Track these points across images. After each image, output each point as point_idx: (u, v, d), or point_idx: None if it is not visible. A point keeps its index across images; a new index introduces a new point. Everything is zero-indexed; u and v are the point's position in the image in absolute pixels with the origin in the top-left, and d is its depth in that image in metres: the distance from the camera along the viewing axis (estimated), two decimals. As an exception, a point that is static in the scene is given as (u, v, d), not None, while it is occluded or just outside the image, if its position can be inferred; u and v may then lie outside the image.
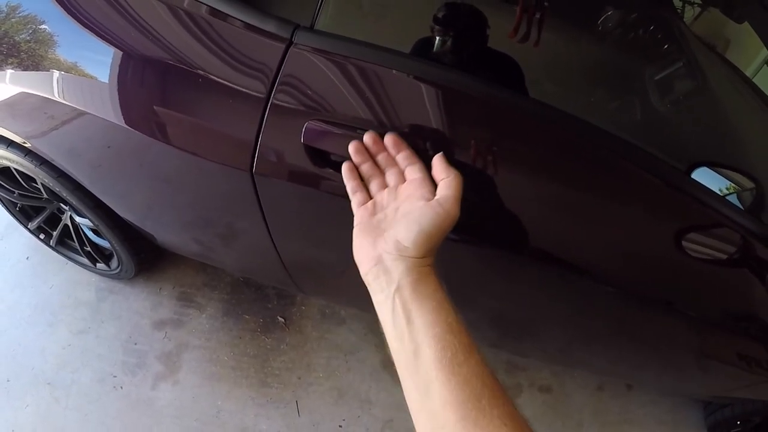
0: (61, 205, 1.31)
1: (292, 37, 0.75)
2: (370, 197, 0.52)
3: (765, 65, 0.96)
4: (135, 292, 1.45)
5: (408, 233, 0.44)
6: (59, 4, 0.85)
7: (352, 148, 0.54)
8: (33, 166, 1.07)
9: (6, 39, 0.92)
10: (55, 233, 1.36)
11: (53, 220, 1.36)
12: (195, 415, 1.27)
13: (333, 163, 0.78)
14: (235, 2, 0.77)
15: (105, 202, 1.11)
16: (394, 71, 0.74)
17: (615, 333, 1.02)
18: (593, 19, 0.98)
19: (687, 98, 0.98)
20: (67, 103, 0.87)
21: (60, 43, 0.89)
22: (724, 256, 0.81)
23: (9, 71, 0.92)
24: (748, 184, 0.82)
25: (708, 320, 0.88)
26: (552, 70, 0.97)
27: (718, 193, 0.79)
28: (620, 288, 0.85)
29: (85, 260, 1.38)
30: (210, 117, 0.80)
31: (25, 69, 0.91)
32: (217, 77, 0.77)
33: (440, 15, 0.83)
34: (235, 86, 0.77)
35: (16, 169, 1.15)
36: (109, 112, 0.84)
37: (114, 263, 1.35)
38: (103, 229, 1.20)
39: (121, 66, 0.83)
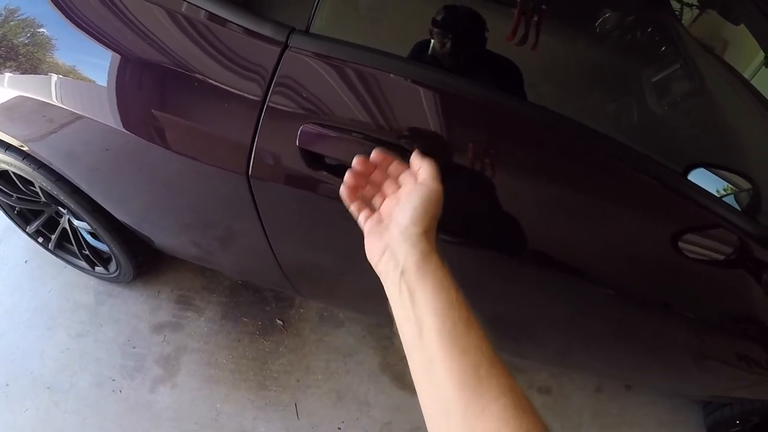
0: (60, 208, 1.31)
1: (287, 40, 0.75)
2: (373, 210, 0.55)
3: (763, 67, 0.96)
4: (133, 295, 1.44)
5: (404, 215, 0.50)
6: (57, 7, 0.85)
7: (348, 178, 0.58)
8: (31, 170, 1.07)
9: (4, 42, 0.92)
10: (53, 237, 1.36)
11: (51, 223, 1.36)
12: (193, 418, 1.26)
13: (328, 166, 0.78)
14: (231, 6, 0.77)
15: (103, 205, 1.12)
16: (389, 74, 0.74)
17: (613, 334, 1.02)
18: (591, 21, 0.98)
19: (684, 100, 0.98)
20: (64, 107, 0.87)
21: (58, 46, 0.89)
22: (722, 258, 0.81)
23: (7, 74, 0.92)
24: (745, 185, 0.82)
25: (706, 321, 0.88)
26: (550, 72, 0.97)
27: (715, 194, 0.79)
28: (618, 290, 0.85)
29: (83, 264, 1.38)
30: (206, 120, 0.80)
31: (24, 72, 0.92)
32: (214, 81, 0.77)
33: (439, 18, 0.83)
34: (231, 89, 0.77)
35: (14, 173, 1.15)
36: (107, 115, 0.85)
37: (112, 267, 1.35)
38: (101, 232, 1.20)
39: (118, 70, 0.83)
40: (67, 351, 1.34)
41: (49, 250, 1.39)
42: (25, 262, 1.49)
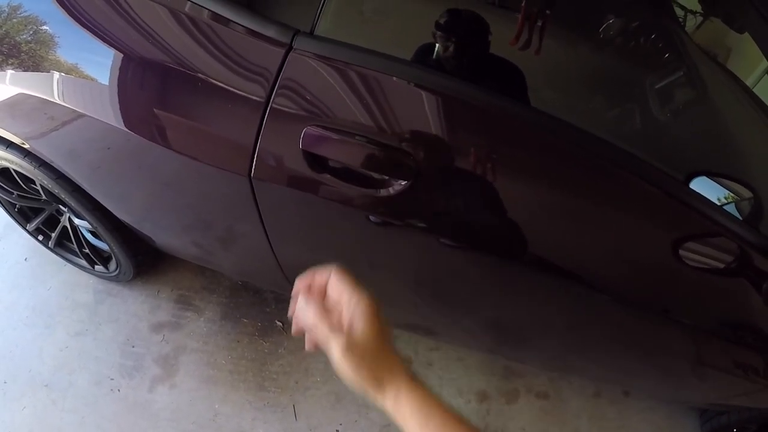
0: (60, 206, 1.31)
1: (291, 42, 0.75)
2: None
3: (766, 75, 0.96)
4: (133, 294, 1.44)
5: (359, 327, 0.41)
6: (61, 5, 0.85)
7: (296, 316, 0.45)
8: (32, 168, 1.07)
9: (7, 39, 0.92)
10: (53, 235, 1.36)
11: (52, 221, 1.36)
12: (192, 418, 1.26)
13: (331, 168, 0.78)
14: (235, 7, 0.77)
15: (103, 204, 1.11)
16: (393, 78, 0.74)
17: (612, 340, 1.02)
18: (595, 27, 0.98)
19: (687, 107, 0.98)
20: (66, 105, 0.87)
21: (61, 44, 0.89)
22: (722, 266, 0.81)
23: (9, 72, 0.92)
24: (747, 193, 0.82)
25: (705, 328, 0.89)
26: (553, 77, 0.97)
27: (717, 202, 0.79)
28: (617, 295, 0.85)
29: (83, 262, 1.38)
30: (209, 121, 0.80)
31: (26, 70, 0.91)
32: (217, 81, 0.77)
33: (442, 21, 0.83)
34: (235, 90, 0.77)
35: (15, 170, 1.15)
36: (109, 114, 0.84)
37: (112, 265, 1.35)
38: (101, 231, 1.20)
39: (121, 68, 0.83)
40: (65, 349, 1.34)
41: (49, 248, 1.39)
42: (25, 259, 1.49)
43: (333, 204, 0.80)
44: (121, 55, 0.82)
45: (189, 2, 0.78)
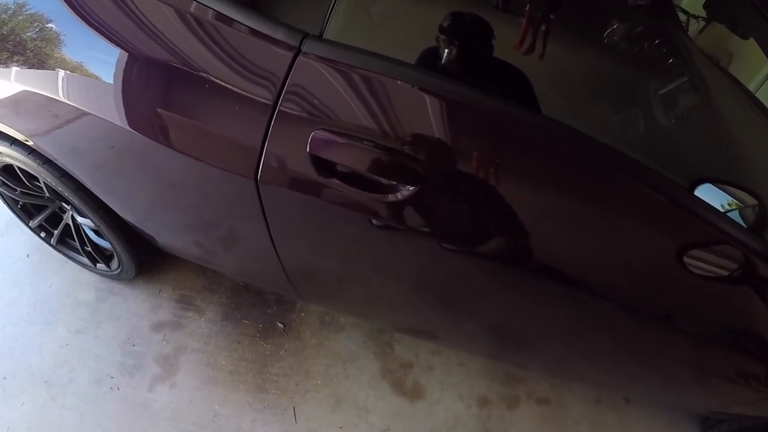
0: (63, 204, 1.31)
1: (300, 45, 0.75)
2: None
3: (768, 80, 0.96)
4: (134, 293, 1.44)
5: None
6: (66, 3, 0.85)
7: None
8: (36, 165, 1.07)
9: (12, 36, 0.92)
10: (56, 232, 1.36)
11: (54, 218, 1.36)
12: (191, 418, 1.26)
13: (339, 173, 0.78)
14: (244, 9, 0.77)
15: (107, 202, 1.11)
16: (403, 82, 0.74)
17: (614, 346, 1.01)
18: (598, 32, 0.98)
19: (691, 113, 0.98)
20: (71, 103, 0.87)
21: (66, 42, 0.89)
22: (726, 273, 0.81)
23: (14, 69, 0.92)
24: (751, 201, 0.81)
25: (707, 336, 0.88)
26: (557, 82, 0.97)
27: (721, 209, 0.79)
28: (620, 301, 0.85)
29: (85, 260, 1.38)
30: (215, 122, 0.80)
31: (31, 67, 0.91)
32: (224, 83, 0.77)
33: (445, 24, 0.83)
34: (242, 92, 0.77)
35: (18, 167, 1.15)
36: (113, 113, 0.84)
37: (114, 264, 1.35)
38: (104, 229, 1.20)
39: (126, 68, 0.83)
40: (66, 347, 1.34)
41: (51, 245, 1.39)
42: (27, 256, 1.49)
43: (339, 208, 0.80)
44: (127, 54, 0.82)
45: (197, 3, 0.78)
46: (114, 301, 1.42)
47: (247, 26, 0.76)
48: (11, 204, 1.33)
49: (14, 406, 1.25)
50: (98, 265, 1.37)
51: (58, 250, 1.41)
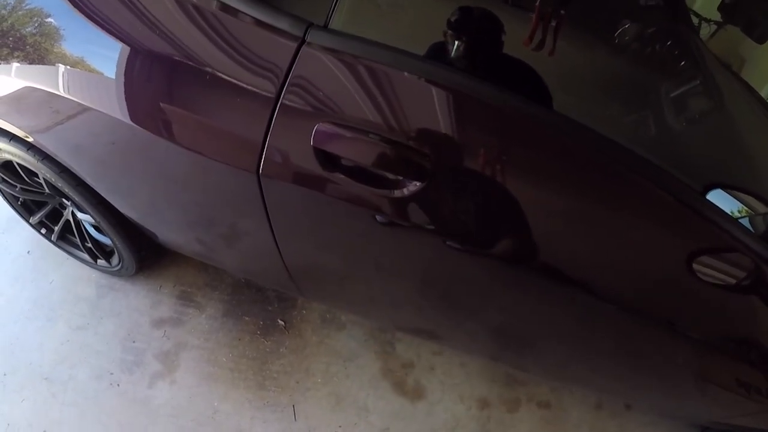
0: (63, 200, 1.30)
1: (304, 35, 0.72)
2: None
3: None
4: (135, 289, 1.44)
5: None
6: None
7: None
8: (35, 161, 1.06)
9: (12, 32, 0.91)
10: (56, 228, 1.35)
11: (55, 215, 1.35)
12: (191, 415, 1.26)
13: (343, 166, 0.76)
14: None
15: (107, 198, 1.10)
16: (410, 75, 0.72)
17: (616, 351, 1.00)
18: (610, 31, 0.96)
19: (703, 117, 0.96)
20: (71, 98, 0.85)
21: (66, 36, 0.87)
22: (734, 281, 0.79)
23: (15, 65, 0.90)
24: (762, 208, 0.80)
25: (712, 344, 0.87)
26: (566, 79, 0.95)
27: (731, 215, 0.77)
28: (625, 305, 0.84)
29: (85, 256, 1.38)
30: (217, 116, 0.78)
31: (31, 63, 0.90)
32: (226, 75, 0.75)
33: (453, 19, 0.81)
34: (244, 85, 0.75)
35: (18, 164, 1.14)
36: (114, 108, 0.83)
37: (115, 260, 1.34)
38: (104, 225, 1.19)
39: (125, 61, 0.82)
40: (66, 343, 1.34)
41: (51, 241, 1.38)
42: (28, 252, 1.49)
43: (343, 203, 0.79)
44: (126, 47, 0.81)
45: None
46: (115, 297, 1.42)
47: (249, 16, 0.74)
48: (11, 201, 1.32)
49: (14, 402, 1.25)
50: (99, 261, 1.37)
51: (59, 247, 1.40)
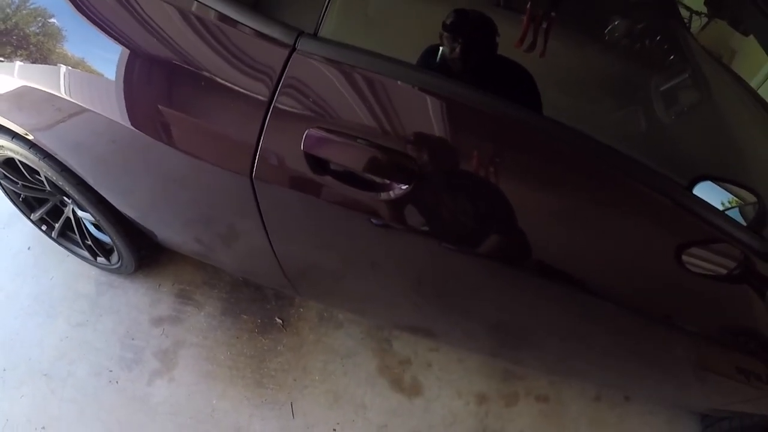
0: (64, 198, 1.31)
1: (295, 43, 0.75)
2: None
3: (770, 77, 0.95)
4: (134, 287, 1.45)
5: None
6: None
7: None
8: (37, 159, 1.08)
9: (16, 31, 0.93)
10: (57, 225, 1.36)
11: (56, 212, 1.37)
12: (189, 412, 1.26)
13: (333, 171, 0.78)
14: (240, 7, 0.77)
15: (107, 198, 1.12)
16: (396, 81, 0.74)
17: (613, 345, 1.01)
18: (600, 28, 0.97)
19: (692, 110, 0.97)
20: (72, 100, 0.87)
21: (68, 37, 0.89)
22: (725, 272, 0.80)
23: (18, 63, 0.92)
24: (751, 198, 0.81)
25: (707, 334, 0.88)
26: (557, 79, 0.97)
27: (721, 207, 0.79)
28: (619, 301, 0.84)
29: (85, 254, 1.39)
30: (212, 120, 0.80)
31: (34, 62, 0.92)
32: (221, 80, 0.77)
33: (449, 22, 0.83)
34: (238, 90, 0.77)
35: (20, 161, 1.16)
36: (114, 111, 0.85)
37: (114, 258, 1.35)
38: (104, 224, 1.20)
39: (123, 64, 0.84)
40: (66, 339, 1.35)
41: (52, 238, 1.40)
42: (28, 248, 1.50)
43: (333, 206, 0.81)
44: (125, 50, 0.82)
45: (195, 2, 0.78)
46: (114, 294, 1.43)
47: (243, 24, 0.77)
48: (13, 197, 1.34)
49: (14, 398, 1.26)
50: (98, 258, 1.38)
51: (59, 244, 1.41)
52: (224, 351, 1.36)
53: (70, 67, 0.88)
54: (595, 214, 0.80)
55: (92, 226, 1.34)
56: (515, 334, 1.12)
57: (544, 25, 0.87)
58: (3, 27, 0.93)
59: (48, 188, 1.23)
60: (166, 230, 1.24)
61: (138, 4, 0.81)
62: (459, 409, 1.32)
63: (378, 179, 0.77)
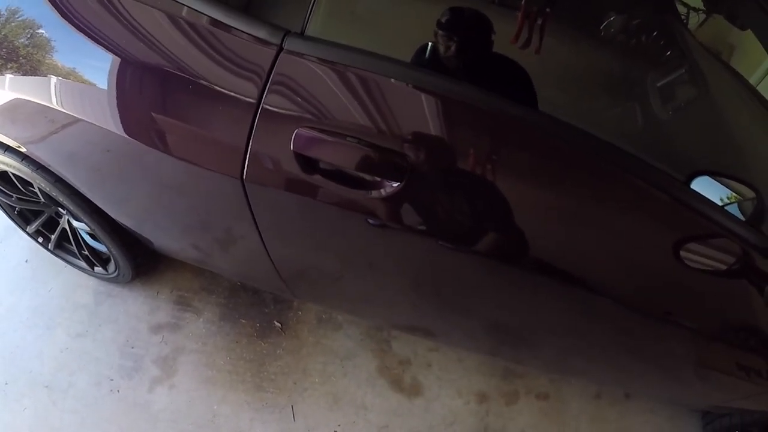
0: (59, 209, 1.31)
1: (282, 42, 0.74)
2: None
3: (769, 72, 0.94)
4: (133, 295, 1.45)
5: None
6: (55, 8, 0.85)
7: None
8: (30, 171, 1.08)
9: (6, 43, 0.92)
10: (53, 237, 1.36)
11: (51, 223, 1.37)
12: (190, 419, 1.27)
13: (323, 170, 0.77)
14: (226, 9, 0.77)
15: (102, 207, 1.12)
16: (384, 78, 0.73)
17: (613, 343, 1.01)
18: (596, 24, 0.96)
19: (689, 105, 0.96)
20: (64, 110, 0.87)
21: (57, 48, 0.89)
22: (724, 267, 0.80)
23: (8, 76, 0.92)
24: (749, 193, 0.80)
25: (706, 331, 0.87)
26: (553, 76, 0.96)
27: (719, 202, 0.78)
28: (618, 298, 0.84)
29: (82, 264, 1.39)
30: (201, 123, 0.80)
31: (25, 74, 0.91)
32: (209, 83, 0.77)
33: (444, 20, 0.82)
34: (226, 92, 0.77)
35: (13, 174, 1.15)
36: (107, 120, 0.84)
37: (111, 267, 1.35)
38: (99, 233, 1.20)
39: (117, 73, 0.83)
40: (66, 350, 1.35)
41: (49, 250, 1.40)
42: (26, 261, 1.50)
43: (324, 206, 0.80)
44: (115, 58, 0.82)
45: (181, 5, 0.78)
46: (112, 303, 1.43)
47: (229, 25, 0.76)
48: (8, 210, 1.33)
49: (16, 411, 1.26)
50: (96, 268, 1.38)
51: (56, 255, 1.41)
52: (224, 356, 1.36)
53: (61, 78, 0.87)
54: (593, 210, 0.79)
55: (88, 236, 1.33)
56: (514, 333, 1.11)
57: (540, 22, 0.86)
58: (-9, 40, 0.92)
59: (42, 200, 1.23)
60: (162, 237, 1.23)
61: (125, 9, 0.80)
62: (459, 409, 1.32)
63: (368, 177, 0.76)
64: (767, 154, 0.93)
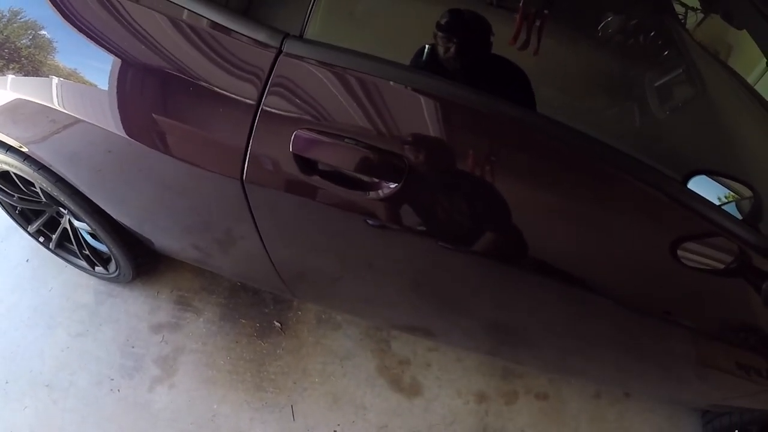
0: (60, 209, 1.32)
1: (281, 45, 0.75)
2: None
3: (766, 72, 0.94)
4: (133, 295, 1.45)
5: None
6: (57, 9, 0.86)
7: None
8: (31, 171, 1.08)
9: (8, 44, 0.93)
10: (54, 236, 1.37)
11: (52, 223, 1.37)
12: (190, 418, 1.27)
13: (322, 171, 0.78)
14: (226, 12, 0.77)
15: (103, 207, 1.12)
16: (382, 80, 0.74)
17: (612, 342, 1.01)
18: (593, 25, 0.97)
19: (686, 105, 0.97)
20: (66, 111, 0.87)
21: (59, 49, 0.89)
22: (722, 266, 0.80)
23: (10, 77, 0.93)
24: (747, 192, 0.81)
25: (705, 330, 0.87)
26: (551, 77, 0.96)
27: (717, 201, 0.78)
28: (617, 298, 0.84)
29: (83, 263, 1.39)
30: (201, 125, 0.80)
31: (26, 75, 0.92)
32: (209, 85, 0.78)
33: (443, 21, 0.83)
34: (226, 94, 0.77)
35: (15, 173, 1.16)
36: (108, 120, 0.85)
37: (112, 267, 1.36)
38: (100, 233, 1.21)
39: (119, 74, 0.84)
40: (66, 350, 1.35)
41: (49, 249, 1.40)
42: (27, 261, 1.51)
43: (323, 206, 0.81)
44: (116, 60, 0.83)
45: (182, 8, 0.78)
46: (113, 303, 1.44)
47: (229, 28, 0.77)
48: (9, 210, 1.34)
49: (16, 410, 1.26)
50: (96, 268, 1.39)
51: (57, 255, 1.42)
52: (224, 356, 1.37)
53: (62, 79, 0.88)
54: (590, 210, 0.80)
55: (89, 236, 1.34)
56: (513, 333, 1.12)
57: (538, 23, 0.87)
58: (-6, 41, 0.93)
59: (44, 200, 1.24)
60: (162, 237, 1.24)
61: (127, 12, 0.81)
62: (459, 408, 1.32)
63: (366, 178, 0.77)
64: (765, 153, 0.94)
